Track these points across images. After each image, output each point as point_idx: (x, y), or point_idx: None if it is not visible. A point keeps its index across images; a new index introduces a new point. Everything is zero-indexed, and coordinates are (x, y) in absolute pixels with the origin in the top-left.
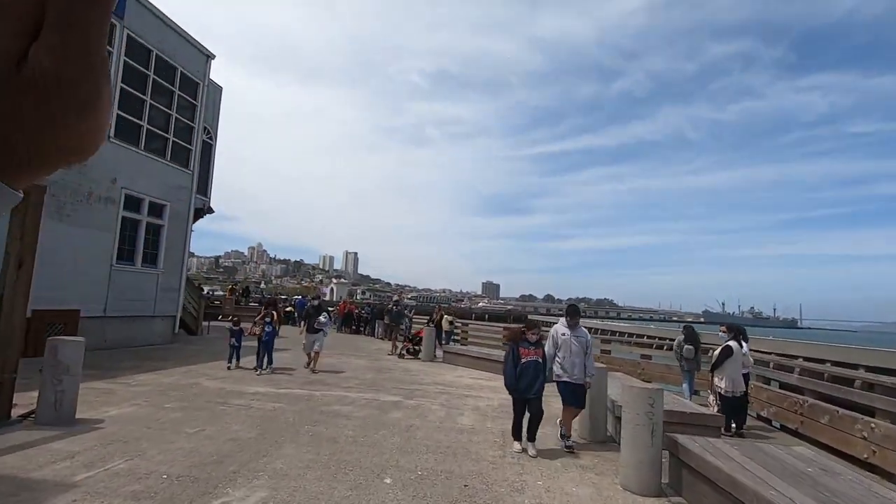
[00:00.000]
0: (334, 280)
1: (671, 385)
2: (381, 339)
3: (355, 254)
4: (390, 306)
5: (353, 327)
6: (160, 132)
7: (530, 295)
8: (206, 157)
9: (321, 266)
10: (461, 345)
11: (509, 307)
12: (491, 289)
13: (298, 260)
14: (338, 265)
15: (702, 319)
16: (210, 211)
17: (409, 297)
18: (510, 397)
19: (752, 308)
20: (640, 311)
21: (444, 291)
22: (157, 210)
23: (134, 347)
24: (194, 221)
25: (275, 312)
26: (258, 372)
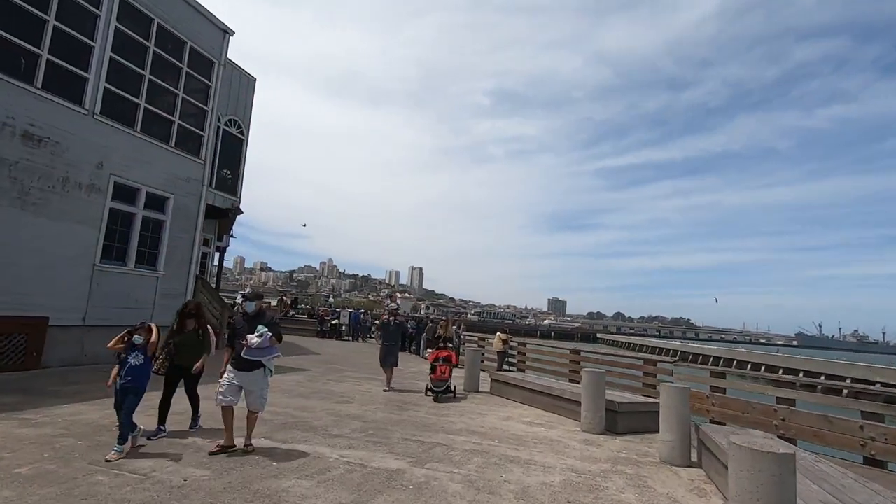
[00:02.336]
0: (399, 294)
1: (833, 451)
2: (426, 357)
3: (420, 269)
4: (386, 319)
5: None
6: (163, 114)
7: (598, 312)
8: (234, 152)
9: (387, 281)
10: (516, 370)
11: (576, 325)
12: (557, 306)
13: (366, 275)
14: (403, 280)
15: (795, 343)
16: (238, 212)
17: (472, 312)
18: (581, 467)
19: (856, 331)
20: (722, 332)
21: (508, 307)
22: (157, 203)
23: None
24: (229, 222)
25: (152, 328)
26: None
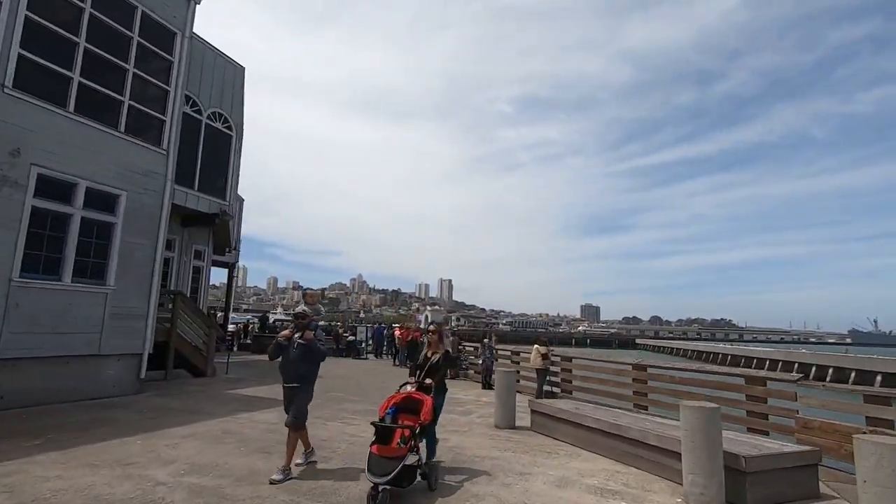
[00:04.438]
0: (429, 307)
1: None
2: (452, 377)
3: (450, 280)
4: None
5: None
6: (109, 92)
7: (634, 317)
8: (221, 149)
9: (417, 294)
10: (561, 391)
11: (612, 331)
12: (591, 312)
13: (396, 289)
14: (433, 293)
15: (848, 340)
16: (228, 217)
17: (503, 322)
18: None
19: None
20: (767, 332)
21: (540, 316)
22: (104, 201)
23: (64, 404)
24: (225, 232)
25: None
26: None
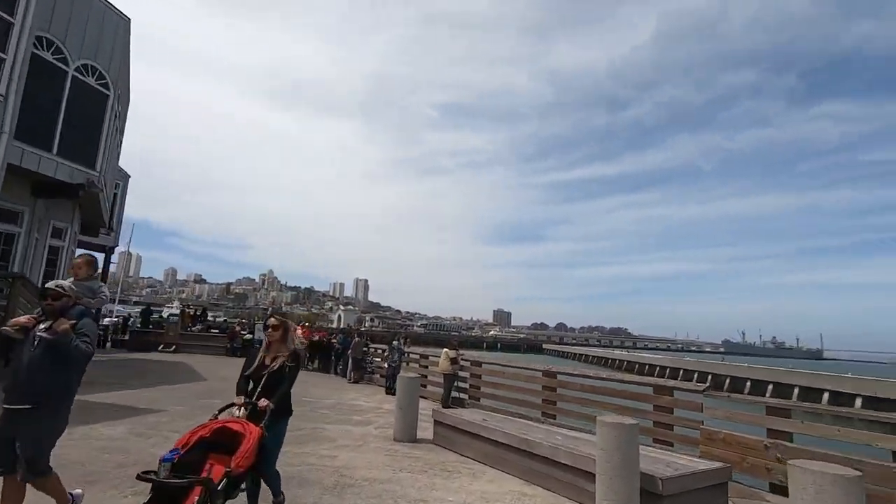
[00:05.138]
0: (342, 307)
1: None
2: (355, 381)
3: (366, 280)
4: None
5: (316, 364)
6: None
7: (542, 323)
8: (92, 109)
9: (331, 293)
10: (469, 398)
11: (521, 336)
12: (503, 317)
13: (309, 287)
14: (348, 292)
15: (721, 349)
16: (96, 189)
17: (418, 324)
18: None
19: (774, 338)
20: (656, 340)
21: (454, 319)
22: None
23: None
24: (93, 206)
25: None
26: None
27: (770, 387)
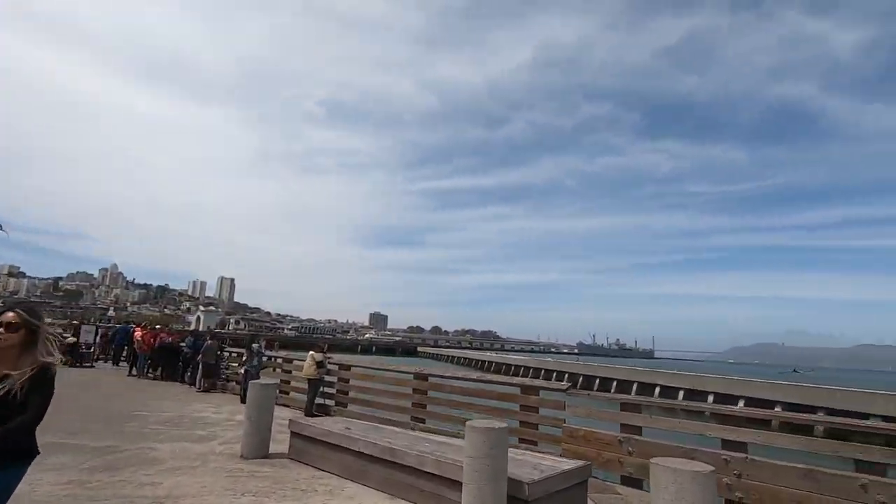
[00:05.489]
0: (202, 307)
1: None
2: (204, 390)
3: (232, 280)
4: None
5: (156, 371)
6: None
7: (418, 326)
8: None
9: (190, 292)
10: (336, 405)
11: (397, 338)
12: (378, 320)
13: (163, 285)
14: (210, 292)
15: (576, 351)
16: None
17: (289, 327)
18: None
19: (618, 340)
20: (521, 342)
21: (329, 322)
22: None
23: None
24: None
25: None
26: None
27: (614, 384)
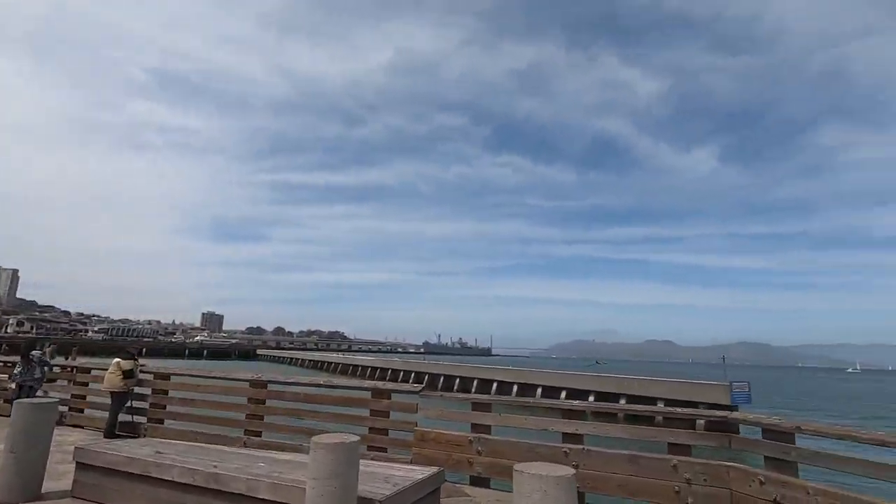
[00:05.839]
0: None
1: None
2: None
3: (15, 271)
4: None
5: None
6: None
7: (258, 327)
8: None
9: None
10: (148, 422)
11: (234, 341)
12: (212, 321)
13: None
14: None
15: (422, 350)
16: None
17: (96, 329)
18: None
19: (461, 339)
20: (369, 343)
21: (150, 323)
22: None
23: None
24: None
25: None
26: None
27: (457, 381)
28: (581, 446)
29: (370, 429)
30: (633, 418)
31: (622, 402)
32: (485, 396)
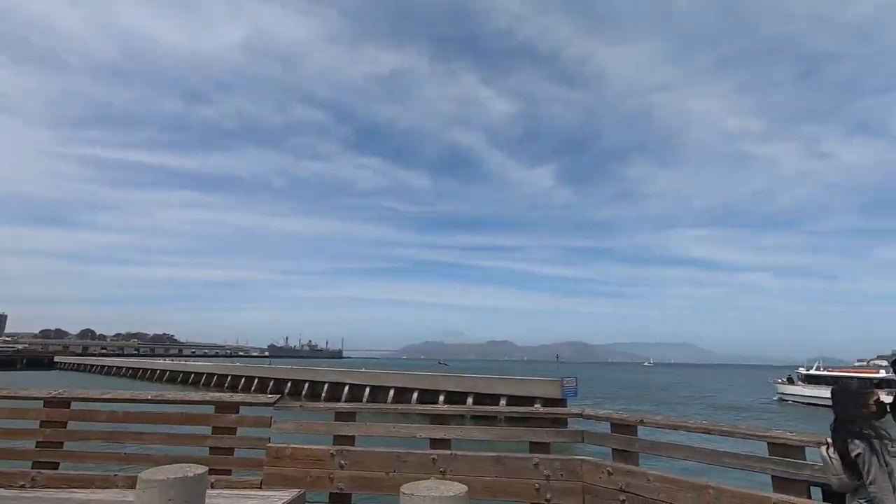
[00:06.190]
0: None
1: None
2: None
3: None
4: None
5: None
6: None
7: (59, 329)
8: None
9: None
10: None
11: (20, 347)
12: None
13: None
14: None
15: (267, 353)
16: None
17: None
18: None
19: (310, 342)
20: (205, 346)
21: None
22: None
23: None
24: None
25: None
26: None
27: (306, 385)
28: (449, 451)
29: (212, 448)
30: (488, 419)
31: (469, 400)
32: (349, 405)
